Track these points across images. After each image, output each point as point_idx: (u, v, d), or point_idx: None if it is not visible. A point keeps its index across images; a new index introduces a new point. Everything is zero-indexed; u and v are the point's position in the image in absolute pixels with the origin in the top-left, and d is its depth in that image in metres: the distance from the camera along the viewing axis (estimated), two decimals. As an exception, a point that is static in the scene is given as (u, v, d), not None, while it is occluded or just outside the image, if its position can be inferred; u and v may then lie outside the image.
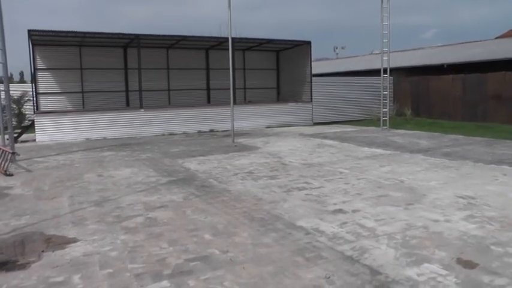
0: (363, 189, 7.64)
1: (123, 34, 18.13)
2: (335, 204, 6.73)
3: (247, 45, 22.89)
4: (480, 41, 28.86)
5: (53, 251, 4.95)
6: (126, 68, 21.05)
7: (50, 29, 16.63)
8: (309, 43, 21.27)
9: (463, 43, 29.52)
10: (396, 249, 4.85)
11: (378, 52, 19.61)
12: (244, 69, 23.79)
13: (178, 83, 22.19)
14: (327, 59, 46.83)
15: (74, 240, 5.28)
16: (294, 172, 9.31)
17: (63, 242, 5.22)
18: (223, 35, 18.79)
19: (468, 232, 5.37)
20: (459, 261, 4.51)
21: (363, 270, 4.30)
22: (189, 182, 8.49)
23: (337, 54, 50.32)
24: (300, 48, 21.99)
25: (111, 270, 4.40)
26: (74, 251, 4.96)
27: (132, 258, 4.71)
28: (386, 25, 17.76)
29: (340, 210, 6.38)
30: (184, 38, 19.72)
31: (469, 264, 4.42)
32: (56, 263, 4.61)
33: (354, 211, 6.33)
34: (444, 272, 4.24)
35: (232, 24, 13.85)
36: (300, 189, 7.79)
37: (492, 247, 4.89)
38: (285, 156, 11.33)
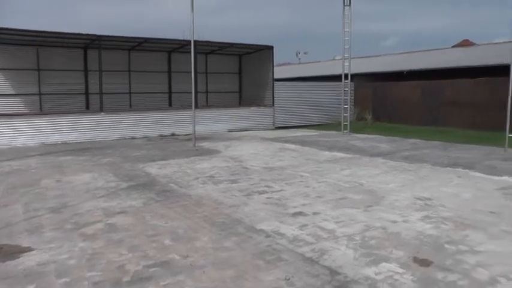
0: (323, 192, 7.79)
1: (83, 34, 17.69)
2: (295, 207, 6.84)
3: (209, 49, 22.88)
4: (438, 49, 30.05)
5: (4, 262, 4.79)
6: (86, 70, 20.60)
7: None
8: (271, 48, 21.47)
9: (421, 51, 30.60)
10: (355, 249, 4.99)
11: (339, 58, 20.04)
12: (206, 72, 23.77)
13: (140, 86, 21.93)
14: (289, 63, 47.37)
15: (29, 249, 5.13)
16: (255, 176, 9.39)
17: (17, 252, 5.07)
18: (186, 38, 18.65)
19: (424, 232, 5.59)
20: (415, 259, 4.70)
21: (323, 271, 4.40)
22: (150, 187, 8.43)
23: (299, 59, 50.97)
24: (263, 52, 22.18)
25: (68, 279, 4.32)
26: (28, 260, 4.81)
27: (90, 266, 4.65)
28: (347, 32, 18.24)
29: (300, 213, 6.49)
30: (147, 40, 19.52)
31: (424, 263, 4.62)
32: (8, 274, 4.47)
33: (314, 213, 6.46)
34: (401, 271, 4.41)
35: (195, 27, 13.85)
36: (260, 192, 7.86)
37: (446, 245, 5.12)
38: (247, 160, 11.40)
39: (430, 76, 22.10)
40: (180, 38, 20.67)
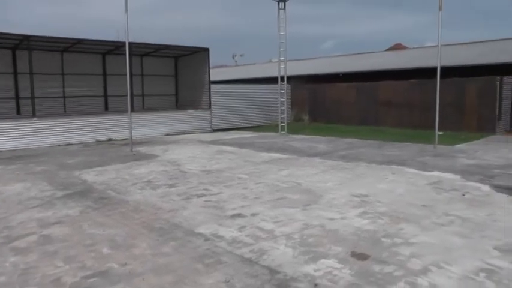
0: (261, 193, 7.84)
1: (10, 34, 16.62)
2: (234, 209, 6.85)
3: (145, 51, 22.43)
4: (372, 52, 31.36)
5: None
6: (15, 73, 19.46)
7: None
8: (207, 50, 21.39)
9: (356, 54, 31.77)
10: (294, 248, 5.06)
11: (276, 60, 20.31)
12: (142, 75, 23.28)
13: (74, 89, 21.02)
14: (226, 66, 47.48)
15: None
16: (193, 179, 9.31)
17: None
18: (120, 39, 18.12)
19: (362, 227, 5.78)
20: (353, 254, 4.85)
21: (262, 271, 4.43)
22: (87, 195, 8.13)
23: (236, 61, 51.25)
24: (199, 54, 22.05)
25: (-4, 297, 4.09)
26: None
27: (23, 281, 4.39)
28: (283, 35, 18.53)
29: (239, 215, 6.50)
30: (80, 41, 18.74)
31: (362, 257, 4.78)
32: None
33: (252, 215, 6.49)
34: (339, 266, 4.54)
35: (130, 28, 13.54)
36: (199, 196, 7.81)
37: (383, 239, 5.33)
38: (184, 164, 11.29)
39: (365, 78, 23.06)
40: (115, 39, 20.11)
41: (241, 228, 5.87)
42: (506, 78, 18.40)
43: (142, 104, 23.23)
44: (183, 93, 24.11)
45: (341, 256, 4.80)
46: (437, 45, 13.35)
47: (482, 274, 4.37)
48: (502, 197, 7.55)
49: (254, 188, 8.28)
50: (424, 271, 4.42)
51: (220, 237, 5.49)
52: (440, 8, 13.08)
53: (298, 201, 7.22)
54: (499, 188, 8.14)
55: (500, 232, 5.64)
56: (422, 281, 4.21)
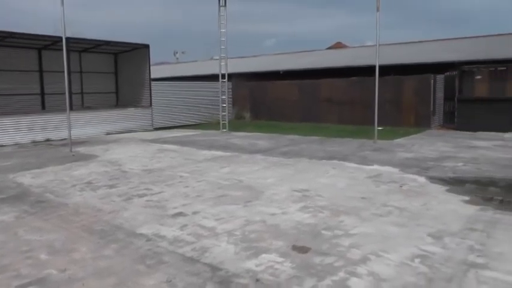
0: (203, 191, 7.82)
1: None
2: (175, 207, 6.79)
3: (83, 47, 21.60)
4: (313, 50, 32.01)
5: None
6: None
7: None
8: (147, 46, 20.98)
9: (298, 52, 32.30)
10: (236, 244, 5.09)
11: (217, 58, 20.26)
12: (81, 72, 22.43)
13: (8, 86, 19.88)
14: (167, 63, 46.92)
15: None
16: (135, 179, 9.14)
17: None
18: (58, 34, 17.26)
19: (303, 221, 5.90)
20: (294, 247, 4.94)
21: (204, 269, 4.43)
22: (23, 199, 7.75)
23: (177, 58, 50.72)
24: (139, 51, 21.59)
25: None
26: None
27: None
28: (224, 32, 18.52)
29: (180, 214, 6.45)
30: (12, 35, 17.70)
31: (303, 250, 4.88)
32: None
33: (194, 213, 6.46)
34: (281, 260, 4.61)
35: (68, 22, 13.08)
36: (140, 196, 7.68)
37: (323, 232, 5.48)
38: (125, 164, 11.06)
39: (306, 76, 23.49)
40: (52, 33, 19.23)
41: (183, 227, 5.83)
42: (439, 77, 19.57)
43: (81, 102, 22.42)
44: (123, 91, 23.51)
45: (282, 250, 4.87)
46: (376, 45, 13.91)
47: (417, 260, 4.61)
48: (436, 187, 7.96)
49: (196, 186, 8.25)
50: (364, 260, 4.58)
51: (162, 237, 5.43)
52: (377, 9, 13.62)
53: (240, 198, 7.26)
54: (433, 179, 8.58)
55: (433, 220, 5.95)
56: (361, 269, 4.36)
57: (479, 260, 4.61)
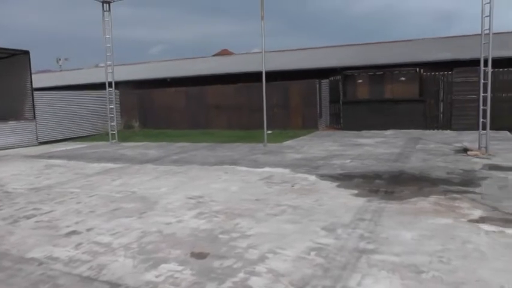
0: (95, 206, 7.53)
1: None
2: (68, 226, 6.44)
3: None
4: (200, 57, 32.15)
5: None
6: None
7: None
8: (27, 53, 19.50)
9: (185, 59, 32.23)
10: (134, 258, 4.98)
11: (103, 65, 19.48)
12: None
13: None
14: (50, 71, 44.31)
15: None
16: (20, 199, 8.49)
17: None
18: None
19: (199, 227, 5.93)
20: (193, 254, 4.96)
21: (103, 287, 4.29)
22: None
23: (60, 66, 48.08)
24: (18, 58, 19.93)
25: None
26: None
27: None
28: (109, 38, 17.83)
29: (74, 232, 6.14)
30: None
31: (201, 255, 4.91)
32: None
33: (88, 230, 6.19)
34: (180, 268, 4.60)
35: None
36: (28, 217, 7.15)
37: (220, 236, 5.56)
38: (8, 184, 10.22)
39: (193, 82, 23.55)
40: None
41: (78, 245, 5.55)
42: (323, 81, 20.79)
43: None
44: (2, 103, 21.62)
45: (181, 258, 4.87)
46: (262, 51, 14.43)
47: (313, 253, 4.89)
48: (326, 184, 8.45)
49: (88, 202, 7.90)
50: (262, 259, 4.74)
51: (56, 259, 5.11)
52: (262, 18, 14.19)
53: (134, 210, 7.10)
54: (323, 177, 9.09)
55: (326, 214, 6.33)
56: (260, 268, 4.51)
57: (369, 246, 5.02)
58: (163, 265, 4.71)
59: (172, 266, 4.68)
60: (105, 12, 17.70)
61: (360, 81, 19.93)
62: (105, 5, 17.67)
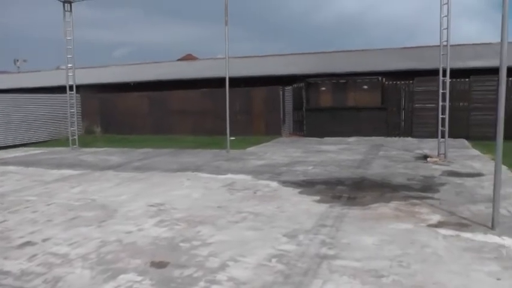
0: (53, 215, 7.30)
1: None
2: (22, 237, 6.20)
3: None
4: (164, 62, 31.86)
5: None
6: None
7: None
8: (-21, 54, 18.91)
9: (149, 63, 31.91)
10: (92, 269, 4.85)
11: (64, 67, 18.91)
12: None
13: None
14: (7, 72, 42.98)
15: None
16: (-32, 210, 8.16)
17: None
18: None
19: (160, 236, 5.84)
20: (153, 264, 4.87)
21: (57, 300, 4.16)
22: None
23: (18, 67, 46.65)
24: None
25: None
26: None
27: None
28: (70, 39, 17.33)
29: (28, 243, 5.91)
30: None
31: (161, 265, 4.83)
32: None
33: (44, 240, 5.97)
34: (140, 278, 4.51)
35: None
36: (-25, 229, 6.88)
37: (181, 244, 5.50)
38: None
39: (157, 87, 23.29)
40: None
41: (32, 257, 5.34)
42: (287, 88, 20.98)
43: None
44: None
45: (141, 268, 4.77)
46: (226, 57, 14.43)
47: (274, 259, 4.90)
48: (288, 190, 8.50)
49: (45, 210, 7.65)
50: (223, 267, 4.71)
51: (6, 273, 4.87)
52: (226, 23, 14.25)
53: (94, 218, 6.93)
54: (286, 183, 9.14)
55: (288, 221, 6.36)
56: (221, 276, 4.47)
57: (331, 252, 5.08)
58: (122, 276, 4.60)
59: (132, 276, 4.58)
60: (66, 13, 17.11)
61: (323, 88, 20.18)
62: (66, 5, 17.09)
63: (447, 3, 11.52)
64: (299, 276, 4.42)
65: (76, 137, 17.76)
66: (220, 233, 5.89)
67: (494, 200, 5.82)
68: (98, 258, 5.16)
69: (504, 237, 5.44)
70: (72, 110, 17.93)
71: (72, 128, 17.79)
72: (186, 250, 5.26)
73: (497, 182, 5.82)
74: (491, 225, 5.79)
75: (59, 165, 12.96)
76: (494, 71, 5.94)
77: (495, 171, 5.85)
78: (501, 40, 5.72)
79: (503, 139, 5.78)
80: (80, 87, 19.60)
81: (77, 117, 18.97)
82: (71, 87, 17.76)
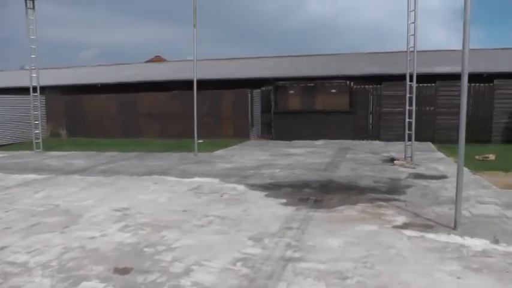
0: (13, 222, 7.07)
1: None
2: (-23, 246, 6.02)
3: None
4: (132, 63, 31.49)
5: None
6: None
7: None
8: None
9: (116, 64, 31.46)
10: (52, 277, 4.71)
11: (28, 68, 18.39)
12: None
13: None
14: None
15: None
16: None
17: None
18: None
19: (123, 241, 5.75)
20: (116, 270, 4.78)
21: (14, 311, 4.04)
22: None
23: (-22, 67, 45.28)
24: None
25: None
26: None
27: None
28: (34, 39, 16.77)
29: (-17, 252, 5.74)
30: None
31: (125, 271, 4.75)
32: None
33: (1, 248, 5.77)
34: (102, 285, 4.43)
35: None
36: None
37: (145, 249, 5.42)
38: None
39: (125, 89, 22.96)
40: None
41: (-13, 267, 5.17)
42: (255, 91, 21.08)
43: None
44: None
45: (103, 275, 4.68)
46: (193, 59, 14.45)
47: (239, 263, 4.89)
48: (255, 193, 8.52)
49: (4, 217, 7.40)
50: (187, 272, 4.67)
51: (-44, 287, 4.72)
52: (194, 26, 14.22)
53: (56, 224, 6.75)
54: (253, 186, 9.15)
55: (254, 224, 6.36)
56: (185, 281, 4.44)
57: (296, 255, 5.10)
58: (84, 283, 4.50)
59: (94, 283, 4.48)
60: (28, 10, 16.48)
61: (292, 92, 20.33)
62: (28, 1, 16.44)
63: (414, 10, 11.76)
64: (264, 280, 4.42)
65: (40, 140, 17.33)
66: (185, 237, 5.84)
67: (456, 201, 5.99)
68: (59, 265, 5.03)
69: (465, 238, 5.59)
70: (36, 112, 17.49)
71: (36, 131, 17.35)
72: (150, 255, 5.19)
73: (460, 184, 5.98)
74: (454, 226, 5.93)
75: (22, 170, 12.63)
76: (459, 77, 6.11)
77: (457, 173, 6.01)
78: (462, 48, 5.90)
79: (466, 142, 5.96)
80: (44, 89, 19.12)
81: (42, 120, 18.53)
82: (34, 89, 17.30)
